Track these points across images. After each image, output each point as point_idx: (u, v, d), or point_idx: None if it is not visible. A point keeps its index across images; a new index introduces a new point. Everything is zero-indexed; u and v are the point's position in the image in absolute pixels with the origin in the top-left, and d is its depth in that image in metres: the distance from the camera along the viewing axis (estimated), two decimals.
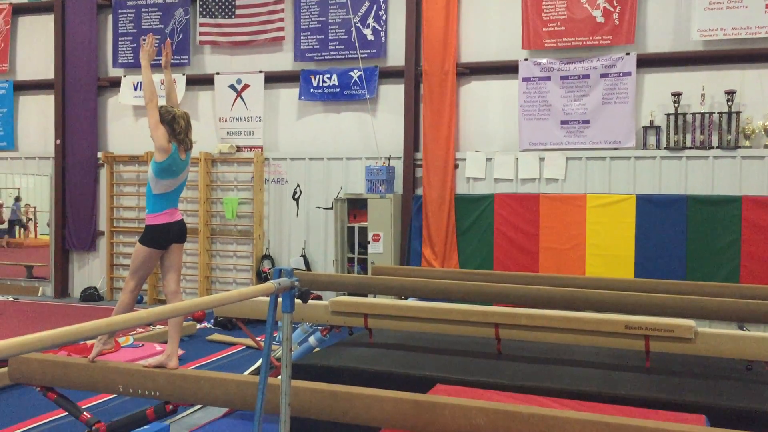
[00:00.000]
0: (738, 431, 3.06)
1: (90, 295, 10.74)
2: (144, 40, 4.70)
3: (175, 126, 4.32)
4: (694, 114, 8.32)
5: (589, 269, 8.55)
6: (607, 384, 4.21)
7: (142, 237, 4.38)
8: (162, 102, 4.55)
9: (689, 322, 4.44)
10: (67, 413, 4.46)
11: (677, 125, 8.36)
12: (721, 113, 8.21)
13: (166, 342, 5.57)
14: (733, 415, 3.75)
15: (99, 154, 10.96)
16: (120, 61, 10.88)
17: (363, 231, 9.36)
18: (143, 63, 4.47)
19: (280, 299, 2.99)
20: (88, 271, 11.20)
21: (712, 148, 8.27)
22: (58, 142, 11.02)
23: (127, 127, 10.98)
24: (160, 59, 4.73)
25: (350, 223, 9.51)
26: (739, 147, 8.17)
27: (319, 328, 5.66)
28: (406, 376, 4.43)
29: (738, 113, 8.15)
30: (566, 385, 4.18)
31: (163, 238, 4.33)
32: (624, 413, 3.41)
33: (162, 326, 7.61)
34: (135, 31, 10.75)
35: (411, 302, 5.78)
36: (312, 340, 5.67)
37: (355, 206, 9.51)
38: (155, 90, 4.38)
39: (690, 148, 8.35)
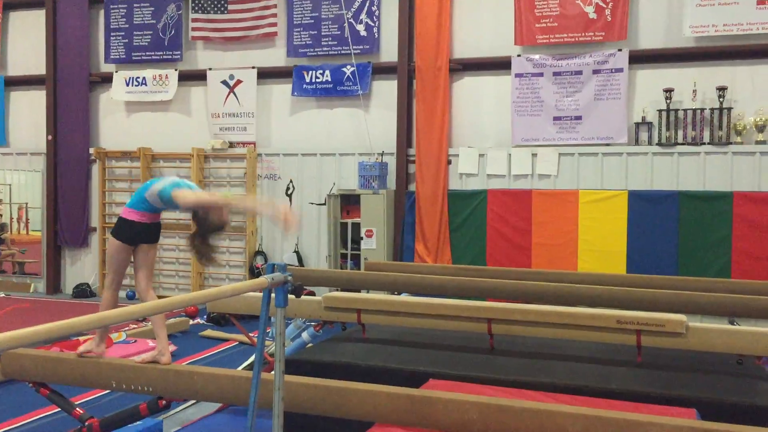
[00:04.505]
0: (728, 425, 3.08)
1: (82, 291, 10.71)
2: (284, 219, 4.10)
3: (204, 226, 4.19)
4: (685, 110, 8.35)
5: (582, 265, 8.58)
6: (599, 378, 4.23)
7: (113, 228, 4.38)
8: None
9: (680, 317, 4.46)
10: (59, 409, 4.45)
11: (669, 121, 8.39)
12: (712, 109, 8.25)
13: None
14: (723, 409, 3.78)
15: (91, 150, 10.92)
16: (112, 57, 10.83)
17: (356, 227, 9.36)
18: (252, 206, 3.96)
19: (273, 294, 2.99)
20: (80, 267, 11.17)
21: (704, 144, 8.30)
22: (50, 138, 10.98)
23: (120, 122, 10.94)
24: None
25: (343, 219, 9.51)
26: (731, 143, 8.20)
27: (313, 323, 5.66)
28: (400, 371, 4.44)
29: (729, 109, 8.19)
30: (558, 379, 4.20)
31: (130, 233, 4.27)
32: (616, 407, 3.43)
33: None
34: (127, 26, 10.70)
35: (404, 298, 5.79)
36: (305, 335, 5.67)
37: (348, 202, 9.51)
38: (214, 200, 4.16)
39: (682, 144, 8.38)
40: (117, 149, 10.84)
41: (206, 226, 4.21)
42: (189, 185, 4.25)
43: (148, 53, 10.63)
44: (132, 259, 4.41)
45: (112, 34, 10.81)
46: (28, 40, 11.29)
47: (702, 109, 8.29)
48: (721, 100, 8.17)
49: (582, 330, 4.65)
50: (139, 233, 4.27)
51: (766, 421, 3.58)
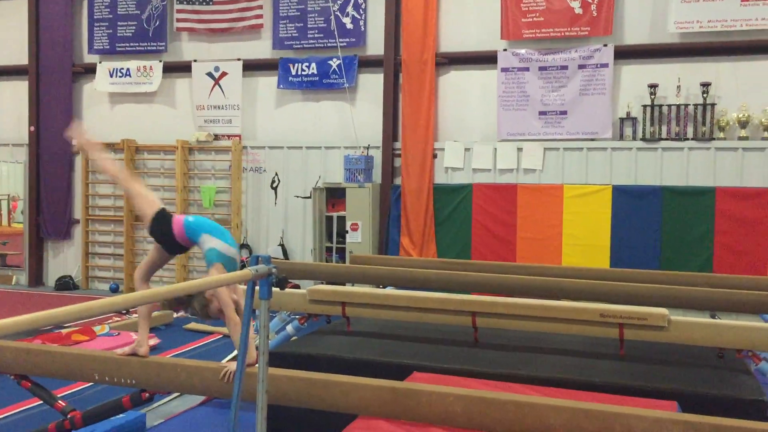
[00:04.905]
0: (708, 417, 3.11)
1: (65, 283, 10.64)
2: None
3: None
4: (669, 106, 8.41)
5: (566, 259, 8.63)
6: (582, 371, 4.26)
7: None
8: None
9: (662, 311, 4.50)
10: (41, 402, 4.42)
11: (653, 117, 8.45)
12: (696, 105, 8.31)
13: None
14: (704, 401, 3.81)
15: (74, 142, 10.82)
16: (96, 47, 10.73)
17: (341, 220, 9.35)
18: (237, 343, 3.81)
19: (257, 287, 2.98)
20: (63, 260, 11.09)
21: (687, 139, 8.36)
22: (32, 129, 10.87)
23: (103, 114, 10.85)
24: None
25: (328, 213, 9.50)
26: (714, 139, 8.27)
27: (297, 316, 5.65)
28: (384, 363, 4.45)
29: (713, 105, 8.25)
30: (542, 372, 4.22)
31: (156, 227, 4.17)
32: (598, 400, 3.45)
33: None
34: (111, 16, 10.61)
35: (389, 291, 5.80)
36: (290, 328, 5.66)
37: (334, 195, 9.50)
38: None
39: (665, 139, 8.44)
40: (100, 141, 10.73)
41: (193, 299, 4.10)
42: (233, 263, 4.05)
43: (132, 44, 10.54)
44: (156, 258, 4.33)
45: (95, 24, 10.71)
46: (9, 30, 11.15)
47: (686, 105, 8.35)
48: (704, 96, 8.23)
49: (565, 323, 4.68)
50: (161, 233, 4.16)
51: (746, 413, 3.63)
